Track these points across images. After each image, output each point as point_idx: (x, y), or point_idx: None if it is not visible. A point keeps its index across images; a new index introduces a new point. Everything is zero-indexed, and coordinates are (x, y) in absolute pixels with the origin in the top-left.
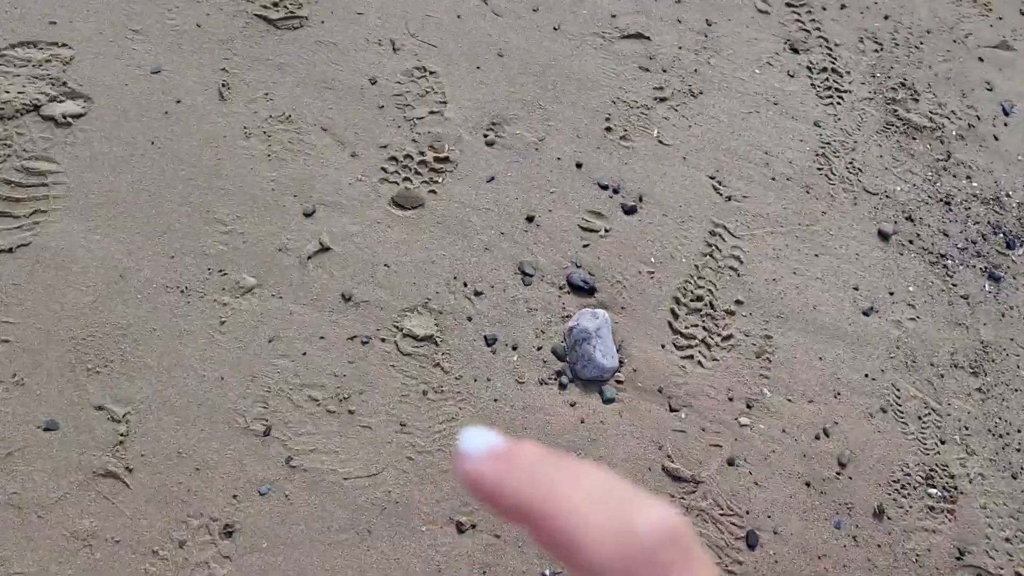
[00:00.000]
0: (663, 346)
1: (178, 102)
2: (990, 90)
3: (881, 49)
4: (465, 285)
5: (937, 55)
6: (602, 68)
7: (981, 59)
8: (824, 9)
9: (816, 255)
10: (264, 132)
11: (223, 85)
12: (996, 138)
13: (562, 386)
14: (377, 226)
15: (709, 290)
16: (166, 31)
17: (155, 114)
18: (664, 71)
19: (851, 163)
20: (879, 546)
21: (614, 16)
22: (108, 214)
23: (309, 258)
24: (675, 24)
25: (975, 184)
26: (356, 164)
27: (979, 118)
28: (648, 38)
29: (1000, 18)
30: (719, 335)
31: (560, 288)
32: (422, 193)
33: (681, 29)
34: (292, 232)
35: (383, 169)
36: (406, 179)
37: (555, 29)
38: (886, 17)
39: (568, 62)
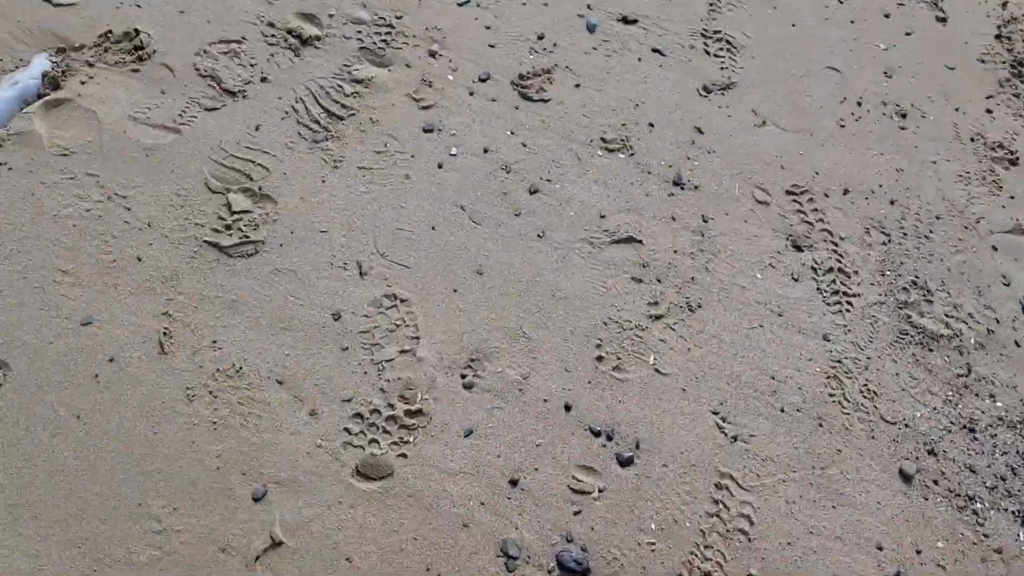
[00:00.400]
0: None
1: (111, 360)
2: (1007, 285)
3: (889, 241)
4: None
5: (949, 245)
6: (592, 282)
7: (995, 247)
8: (827, 196)
9: (834, 506)
10: (210, 392)
11: (164, 334)
12: (1017, 344)
13: None
14: (338, 507)
15: (719, 563)
16: (101, 270)
17: (83, 378)
18: (659, 280)
19: (865, 385)
20: None
21: (603, 216)
22: (15, 519)
23: (257, 559)
24: (669, 222)
25: (999, 404)
26: (315, 426)
27: (998, 320)
28: (640, 241)
29: (1012, 197)
30: None
31: (549, 572)
32: (391, 459)
33: (675, 228)
34: (238, 524)
35: (346, 430)
36: (372, 441)
37: (539, 237)
38: (892, 202)
39: (554, 276)
